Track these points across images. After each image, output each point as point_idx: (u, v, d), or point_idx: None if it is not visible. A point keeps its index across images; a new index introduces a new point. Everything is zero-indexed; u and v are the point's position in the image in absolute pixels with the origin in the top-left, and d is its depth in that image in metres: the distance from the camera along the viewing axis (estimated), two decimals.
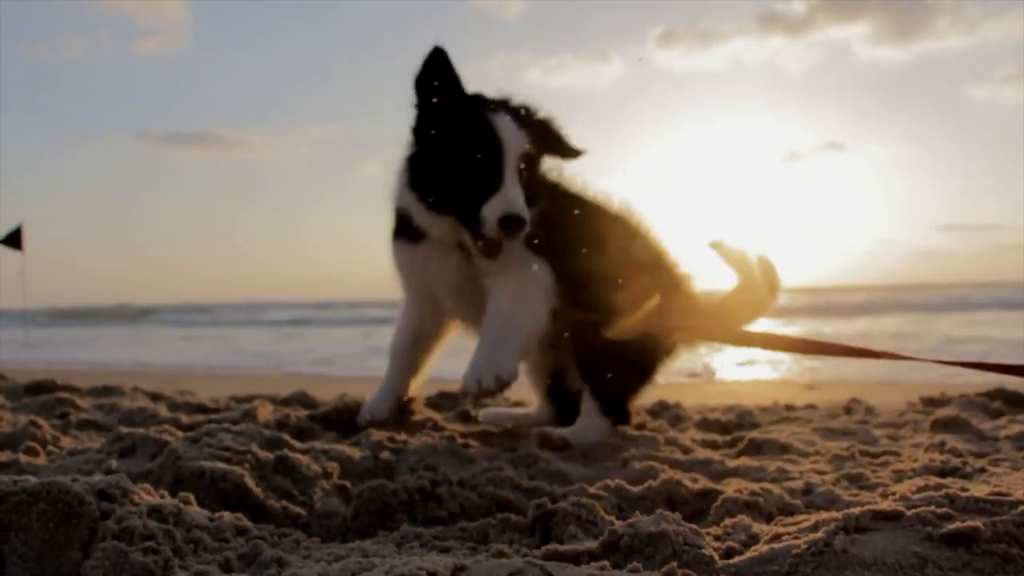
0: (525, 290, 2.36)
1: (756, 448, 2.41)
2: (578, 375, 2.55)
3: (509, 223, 2.16)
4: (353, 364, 8.93)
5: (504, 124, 2.22)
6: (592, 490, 1.77)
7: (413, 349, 2.67)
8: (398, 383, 2.68)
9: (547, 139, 2.37)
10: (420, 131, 2.33)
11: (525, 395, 3.30)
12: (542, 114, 2.38)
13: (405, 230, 2.45)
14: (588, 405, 2.50)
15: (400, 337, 2.68)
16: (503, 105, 2.30)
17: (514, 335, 2.33)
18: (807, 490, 1.83)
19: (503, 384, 2.26)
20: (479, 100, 2.30)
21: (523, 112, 2.32)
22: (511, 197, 2.17)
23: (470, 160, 2.20)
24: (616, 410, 2.54)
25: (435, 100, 2.25)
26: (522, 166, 2.24)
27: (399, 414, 2.66)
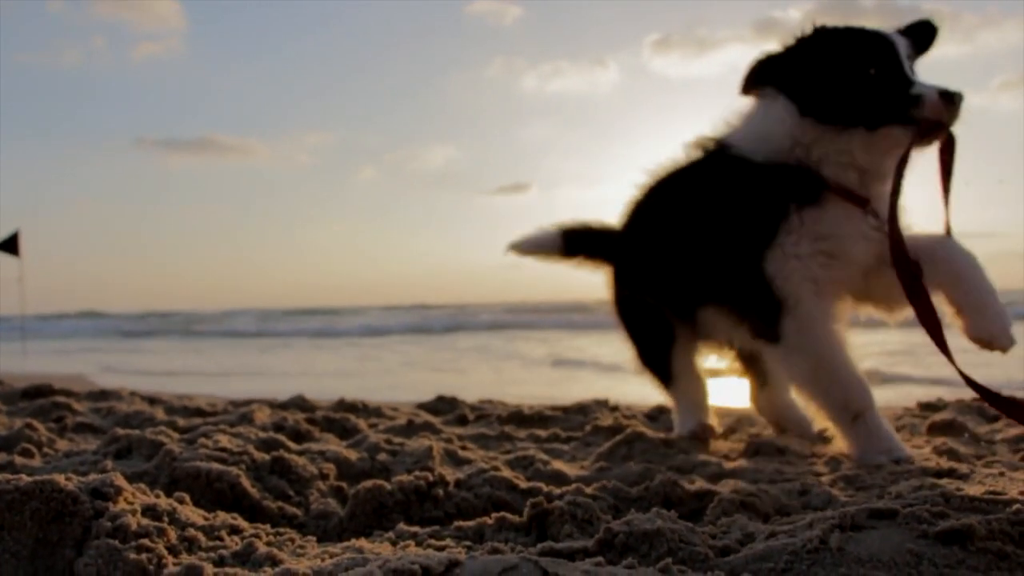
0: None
1: (753, 450, 2.41)
2: None
3: (949, 94, 2.02)
4: (351, 378, 8.87)
5: (888, 31, 2.18)
6: (588, 490, 1.76)
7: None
8: None
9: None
10: (810, 58, 2.17)
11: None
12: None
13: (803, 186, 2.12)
14: None
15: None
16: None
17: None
18: (804, 491, 1.83)
19: None
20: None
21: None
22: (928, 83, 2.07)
23: (873, 66, 2.10)
24: None
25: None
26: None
27: None
